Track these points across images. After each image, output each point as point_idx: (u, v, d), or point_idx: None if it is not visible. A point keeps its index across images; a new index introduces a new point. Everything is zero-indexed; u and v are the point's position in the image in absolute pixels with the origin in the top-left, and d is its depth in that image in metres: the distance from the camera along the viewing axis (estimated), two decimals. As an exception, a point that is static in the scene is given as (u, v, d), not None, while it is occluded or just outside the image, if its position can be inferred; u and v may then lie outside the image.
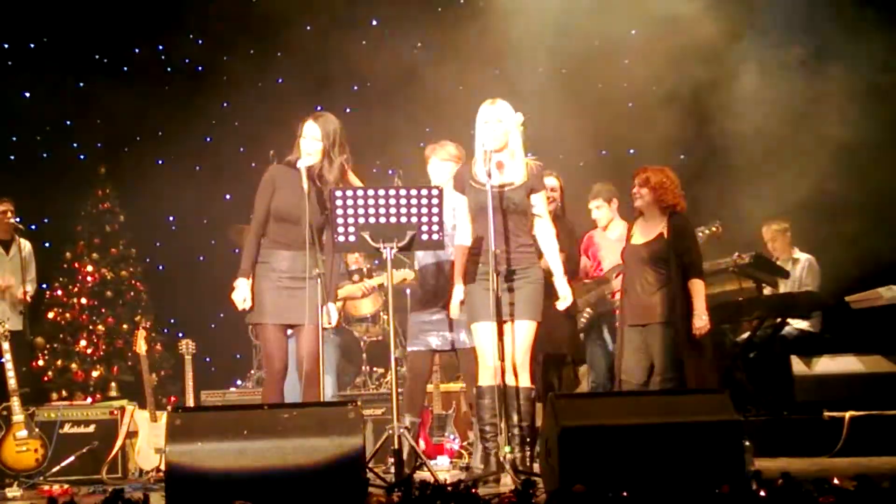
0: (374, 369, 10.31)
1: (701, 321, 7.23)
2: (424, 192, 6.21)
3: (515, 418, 6.37)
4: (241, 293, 6.48)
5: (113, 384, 10.98)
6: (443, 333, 7.08)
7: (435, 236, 6.24)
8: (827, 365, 8.83)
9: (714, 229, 8.23)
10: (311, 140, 6.55)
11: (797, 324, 9.24)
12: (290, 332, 6.62)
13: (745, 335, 9.20)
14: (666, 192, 7.43)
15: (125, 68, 12.71)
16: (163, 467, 5.88)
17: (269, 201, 6.55)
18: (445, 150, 7.24)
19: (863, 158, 9.90)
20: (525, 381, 6.47)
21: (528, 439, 6.60)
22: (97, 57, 12.67)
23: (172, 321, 12.38)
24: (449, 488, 4.26)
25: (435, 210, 6.19)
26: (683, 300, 7.25)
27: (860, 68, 9.92)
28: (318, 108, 11.91)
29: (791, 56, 10.15)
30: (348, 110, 12.68)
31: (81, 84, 12.50)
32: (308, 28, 12.60)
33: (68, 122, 12.52)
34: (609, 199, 8.46)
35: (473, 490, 4.29)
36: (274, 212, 6.53)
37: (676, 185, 7.49)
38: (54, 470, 8.08)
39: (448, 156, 7.21)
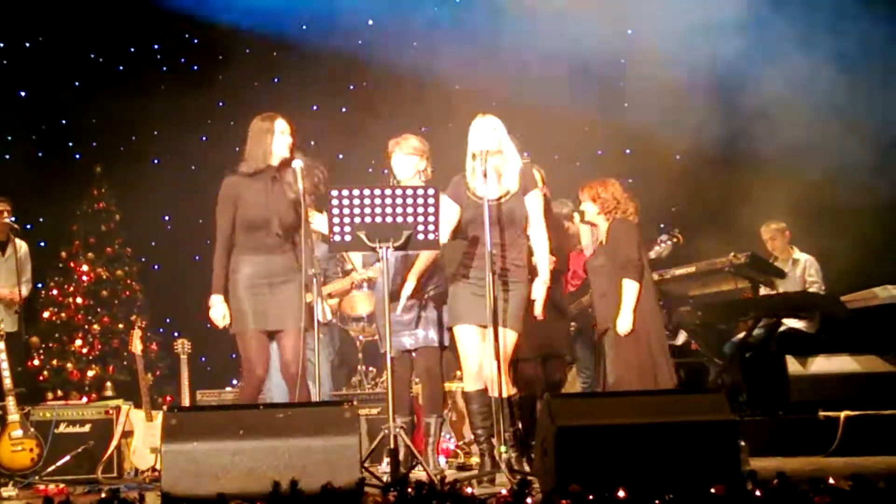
0: (370, 369, 10.31)
1: (623, 323, 7.28)
2: (420, 191, 6.20)
3: (504, 424, 6.39)
4: (220, 311, 6.54)
5: (108, 384, 10.96)
6: (414, 332, 7.07)
7: (431, 236, 6.22)
8: (822, 365, 8.82)
9: (675, 239, 8.30)
10: (288, 136, 6.62)
11: (792, 323, 9.24)
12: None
13: (741, 335, 9.19)
14: (606, 203, 7.56)
15: (120, 67, 12.71)
16: (158, 467, 5.88)
17: (233, 213, 6.54)
18: (409, 143, 7.17)
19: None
20: (508, 387, 6.48)
21: (521, 439, 6.62)
22: (93, 56, 12.67)
23: (168, 320, 12.37)
24: (445, 488, 4.26)
25: (431, 210, 6.18)
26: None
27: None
28: (315, 107, 12.04)
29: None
30: (345, 110, 12.71)
31: (77, 83, 12.50)
32: (304, 28, 12.61)
33: (64, 122, 12.52)
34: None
35: (469, 490, 4.29)
36: (241, 222, 6.53)
37: (620, 195, 7.60)
38: (50, 469, 8.07)
39: (411, 149, 7.15)
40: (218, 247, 6.59)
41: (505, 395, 6.37)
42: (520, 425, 6.79)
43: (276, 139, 6.58)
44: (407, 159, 7.13)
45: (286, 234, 6.47)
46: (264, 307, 6.45)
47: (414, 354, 7.17)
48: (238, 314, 6.49)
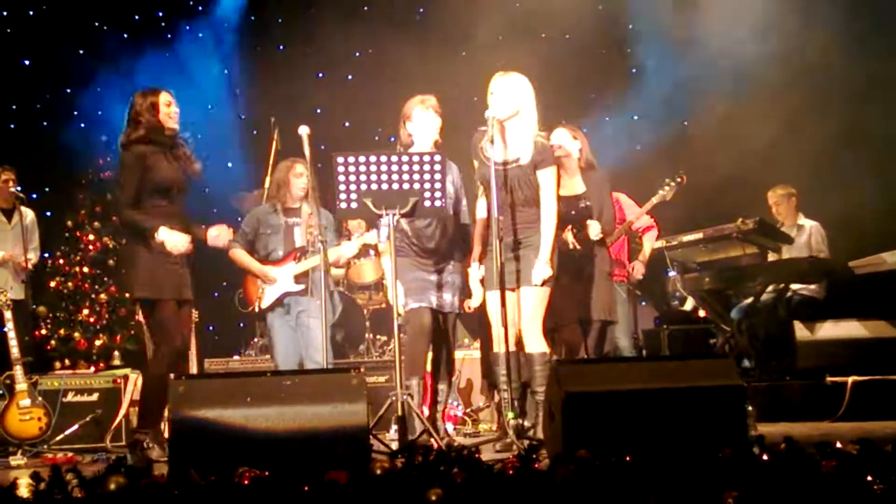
0: (378, 337, 10.32)
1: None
2: (427, 157, 6.19)
3: (533, 384, 6.39)
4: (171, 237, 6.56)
5: (116, 353, 10.97)
6: (440, 294, 6.98)
7: (438, 202, 6.21)
8: (830, 330, 8.81)
9: (679, 180, 8.18)
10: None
11: (800, 289, 9.23)
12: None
13: (749, 301, 9.18)
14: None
15: (125, 35, 12.66)
16: (166, 435, 5.89)
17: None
18: (434, 102, 7.00)
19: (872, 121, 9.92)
20: (536, 346, 6.44)
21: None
22: (97, 24, 12.61)
23: (174, 290, 12.38)
24: (452, 454, 4.26)
25: (437, 176, 6.16)
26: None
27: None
28: (320, 74, 12.01)
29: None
30: (350, 77, 12.66)
31: (81, 51, 12.46)
32: (309, -6, 12.57)
33: (68, 90, 12.48)
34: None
35: (476, 455, 4.29)
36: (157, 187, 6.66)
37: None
38: (58, 438, 8.08)
39: (436, 109, 6.98)
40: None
41: (534, 350, 6.42)
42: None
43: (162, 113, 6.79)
44: (433, 119, 6.93)
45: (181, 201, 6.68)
46: (179, 279, 6.64)
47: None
48: (152, 282, 6.58)
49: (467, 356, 9.38)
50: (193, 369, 8.62)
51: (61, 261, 11.68)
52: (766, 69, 10.49)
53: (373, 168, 6.10)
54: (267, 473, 3.88)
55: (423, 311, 6.91)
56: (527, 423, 6.48)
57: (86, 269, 11.64)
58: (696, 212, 9.58)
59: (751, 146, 10.48)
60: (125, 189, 6.60)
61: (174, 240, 6.48)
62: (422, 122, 6.92)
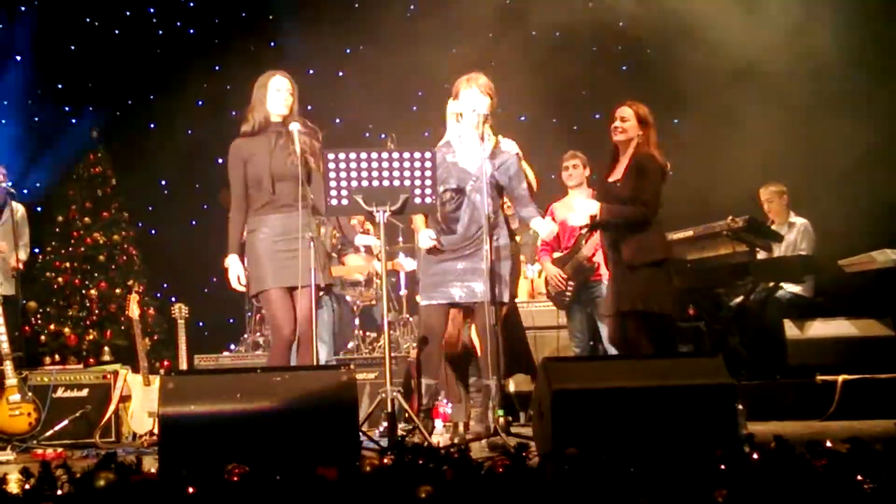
0: (368, 334, 10.31)
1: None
2: (417, 154, 6.17)
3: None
4: (235, 271, 6.48)
5: (106, 348, 10.98)
6: (468, 284, 6.70)
7: (428, 199, 6.20)
8: (820, 329, 8.82)
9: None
10: (287, 94, 6.58)
11: (790, 287, 9.25)
12: None
13: (739, 299, 9.19)
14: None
15: (116, 31, 12.65)
16: (156, 431, 5.88)
17: (242, 173, 6.51)
18: (479, 79, 6.77)
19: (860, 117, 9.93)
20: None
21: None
22: (88, 20, 12.60)
23: (165, 285, 12.40)
24: (441, 451, 4.25)
25: (428, 173, 6.15)
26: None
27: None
28: (311, 70, 12.00)
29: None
30: (341, 73, 12.66)
31: (73, 47, 12.45)
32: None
33: (60, 86, 12.47)
34: (585, 164, 8.51)
35: (466, 453, 4.28)
36: (250, 180, 6.50)
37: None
38: (47, 434, 8.07)
39: (487, 88, 6.76)
40: (232, 208, 6.54)
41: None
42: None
43: (270, 97, 6.54)
44: (479, 97, 6.70)
45: (294, 191, 6.37)
46: (283, 264, 6.38)
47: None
48: (257, 274, 6.44)
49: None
50: (183, 365, 8.61)
51: (52, 256, 11.69)
52: (759, 68, 10.50)
53: (363, 165, 6.09)
54: (256, 470, 3.87)
55: (433, 310, 6.78)
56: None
57: (76, 265, 11.65)
58: (687, 209, 9.57)
59: (742, 144, 10.49)
60: None
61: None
62: (468, 99, 6.75)
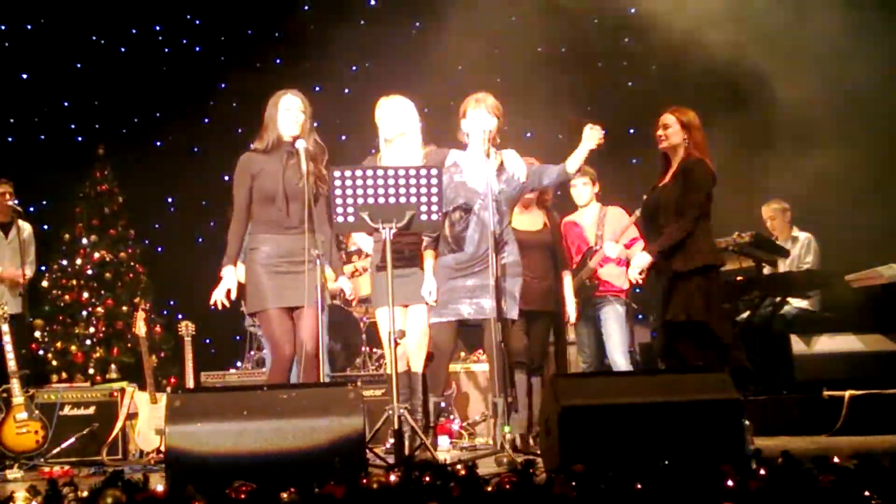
0: (374, 350, 10.30)
1: None
2: (423, 171, 6.17)
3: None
4: (228, 284, 6.45)
5: (113, 366, 10.97)
6: (477, 300, 6.74)
7: (434, 216, 6.19)
8: (826, 344, 8.82)
9: None
10: (298, 112, 6.55)
11: (797, 303, 9.24)
12: None
13: (746, 314, 9.19)
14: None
15: (122, 49, 12.69)
16: (163, 449, 5.88)
17: (249, 186, 6.48)
18: (487, 100, 6.88)
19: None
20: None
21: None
22: (94, 38, 12.65)
23: (172, 303, 12.40)
24: (448, 468, 4.25)
25: (434, 190, 6.15)
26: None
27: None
28: (317, 88, 12.02)
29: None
30: (347, 91, 12.68)
31: (79, 65, 12.48)
32: (306, 8, 12.58)
33: (66, 104, 12.51)
34: (594, 180, 8.52)
35: (473, 470, 4.28)
36: (257, 194, 6.47)
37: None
38: (54, 451, 8.08)
39: (495, 109, 6.88)
40: (234, 219, 6.51)
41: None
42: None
43: (281, 116, 6.54)
44: (486, 117, 6.80)
45: (301, 212, 6.33)
46: (283, 284, 6.36)
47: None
48: (256, 293, 6.43)
49: (464, 368, 9.43)
50: (190, 383, 8.61)
51: (58, 274, 11.69)
52: (763, 82, 10.49)
53: (369, 182, 6.08)
54: (263, 488, 3.87)
55: (442, 327, 6.83)
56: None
57: (83, 282, 11.66)
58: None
59: (746, 159, 10.47)
60: None
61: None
62: (474, 120, 6.85)
